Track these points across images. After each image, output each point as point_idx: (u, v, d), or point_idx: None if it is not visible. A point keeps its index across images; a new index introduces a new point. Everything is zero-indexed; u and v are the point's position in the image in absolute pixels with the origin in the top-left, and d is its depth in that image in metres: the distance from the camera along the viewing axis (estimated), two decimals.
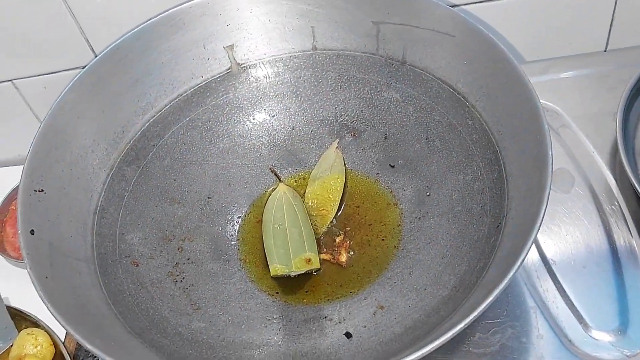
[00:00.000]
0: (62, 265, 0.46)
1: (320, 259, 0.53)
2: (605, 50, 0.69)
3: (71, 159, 0.52)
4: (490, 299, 0.38)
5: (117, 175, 0.55)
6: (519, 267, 0.39)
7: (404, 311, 0.47)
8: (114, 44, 0.55)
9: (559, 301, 0.51)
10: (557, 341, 0.49)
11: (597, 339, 0.48)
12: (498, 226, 0.46)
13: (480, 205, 0.50)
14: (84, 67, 0.54)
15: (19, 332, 0.62)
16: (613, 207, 0.56)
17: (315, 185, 0.57)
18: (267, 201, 0.57)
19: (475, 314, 0.37)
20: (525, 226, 0.42)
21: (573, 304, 0.51)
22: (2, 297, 0.67)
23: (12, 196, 0.75)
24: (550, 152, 0.43)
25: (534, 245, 0.54)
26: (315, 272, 0.53)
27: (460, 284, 0.46)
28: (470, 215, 0.50)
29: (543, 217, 0.40)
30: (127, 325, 0.45)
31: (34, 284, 0.42)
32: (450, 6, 0.61)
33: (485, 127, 0.52)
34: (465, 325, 0.37)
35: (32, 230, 0.45)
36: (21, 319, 0.64)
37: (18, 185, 0.73)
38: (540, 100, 0.63)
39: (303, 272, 0.52)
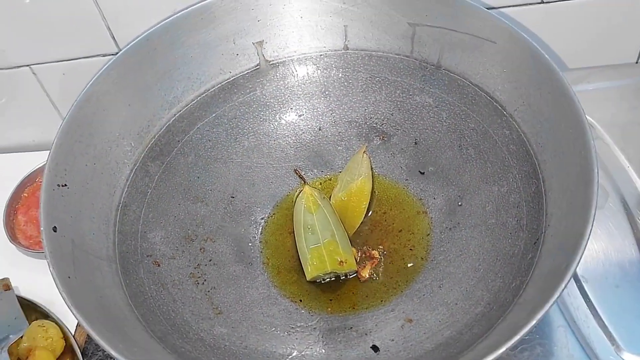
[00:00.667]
0: (85, 264, 0.44)
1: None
2: (637, 62, 0.67)
3: (95, 153, 0.50)
4: (533, 322, 0.36)
5: (140, 170, 0.53)
6: (563, 288, 0.37)
7: (434, 326, 0.46)
8: (142, 36, 0.53)
9: (590, 320, 0.50)
10: None
11: None
12: (535, 242, 0.45)
13: (516, 219, 0.48)
14: (108, 57, 0.52)
15: (29, 323, 0.61)
16: None
17: (342, 191, 0.56)
18: (294, 204, 0.55)
19: (518, 336, 0.36)
20: (567, 245, 0.40)
21: (605, 324, 0.49)
22: (13, 286, 0.66)
23: (24, 183, 0.74)
24: (596, 170, 0.42)
25: None
26: (351, 274, 0.52)
27: (494, 301, 0.44)
28: (505, 229, 0.49)
29: (589, 238, 0.39)
30: (149, 329, 0.43)
31: (56, 284, 0.40)
32: (488, 9, 0.59)
33: (523, 138, 0.50)
34: (507, 347, 0.36)
35: (55, 227, 0.44)
36: (32, 310, 0.63)
37: (30, 173, 0.73)
38: None
39: (340, 273, 0.51)
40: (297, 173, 0.57)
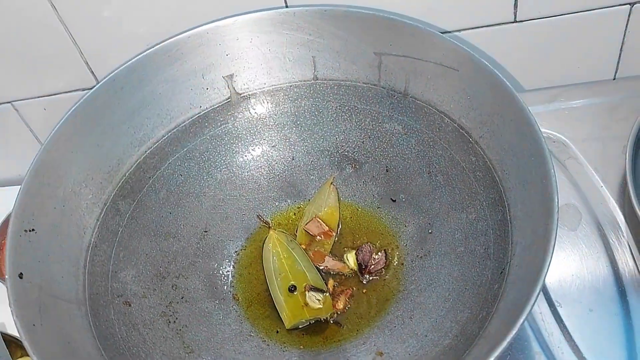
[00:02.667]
0: (52, 310, 0.44)
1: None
2: (614, 78, 0.67)
3: (64, 195, 0.51)
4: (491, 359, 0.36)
5: (111, 209, 0.53)
6: (521, 324, 0.37)
7: (404, 359, 0.46)
8: (108, 77, 0.54)
9: (565, 346, 0.49)
10: None
11: None
12: (502, 272, 0.45)
13: (484, 247, 0.48)
14: (76, 99, 0.52)
15: None
16: (622, 246, 0.54)
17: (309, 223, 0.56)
18: (262, 250, 0.55)
19: None
20: (529, 277, 0.40)
21: (579, 350, 0.49)
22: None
23: (8, 221, 0.74)
24: (556, 200, 0.41)
25: None
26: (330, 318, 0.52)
27: (461, 333, 0.44)
28: (474, 257, 0.49)
29: (547, 271, 0.38)
30: None
31: (19, 333, 0.40)
32: (443, 32, 0.60)
33: (489, 164, 0.50)
34: None
35: (21, 273, 0.44)
36: (16, 347, 0.63)
37: None
38: (547, 131, 0.63)
39: (319, 318, 0.51)
40: (260, 219, 0.57)
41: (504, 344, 0.36)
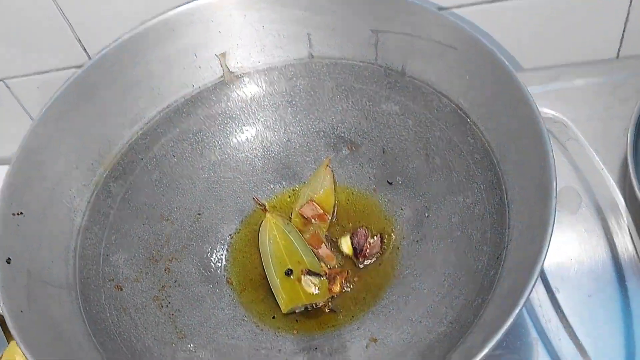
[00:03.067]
0: (40, 296, 0.44)
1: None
2: (617, 57, 0.65)
3: (54, 177, 0.50)
4: (484, 351, 0.35)
5: (102, 192, 0.52)
6: (517, 314, 0.36)
7: (398, 346, 0.45)
8: (98, 55, 0.52)
9: (562, 333, 0.49)
10: None
11: None
12: (498, 257, 0.44)
13: (481, 232, 0.47)
14: (64, 79, 0.51)
15: (8, 342, 0.61)
16: (622, 230, 0.53)
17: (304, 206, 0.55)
18: (259, 234, 0.54)
19: None
20: (525, 264, 0.39)
21: (576, 336, 0.48)
22: None
23: None
24: (554, 184, 0.40)
25: None
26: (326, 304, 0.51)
27: (456, 320, 0.43)
28: (470, 241, 0.48)
29: (544, 259, 0.37)
30: (106, 359, 0.43)
31: (6, 319, 0.40)
32: (439, 9, 0.58)
33: (487, 147, 0.49)
34: None
35: (9, 259, 0.43)
36: None
37: None
38: (548, 111, 0.62)
39: (317, 303, 0.50)
40: (256, 201, 0.56)
41: (499, 334, 0.36)
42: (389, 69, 0.55)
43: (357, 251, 0.52)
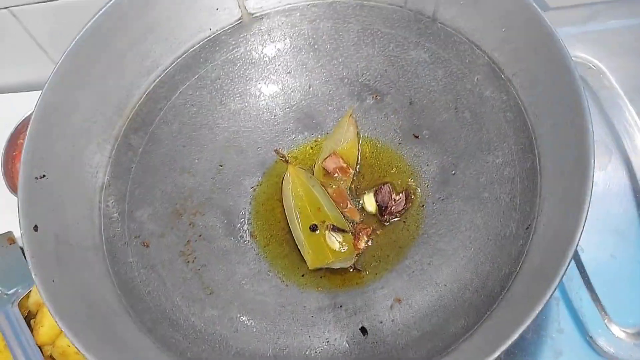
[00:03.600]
0: (69, 261, 0.44)
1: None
2: None
3: (73, 134, 0.48)
4: (516, 335, 0.36)
5: (123, 145, 0.51)
6: (549, 297, 0.36)
7: (422, 309, 0.46)
8: (110, 3, 0.49)
9: (584, 292, 0.49)
10: (578, 336, 0.48)
11: (620, 338, 0.47)
12: (527, 228, 0.43)
13: (510, 196, 0.46)
14: (77, 32, 0.48)
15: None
16: None
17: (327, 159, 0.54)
18: (282, 187, 0.54)
19: (502, 348, 0.35)
20: (558, 242, 0.39)
21: (597, 297, 0.49)
22: (16, 237, 0.67)
23: (19, 130, 0.73)
24: (592, 162, 0.39)
25: None
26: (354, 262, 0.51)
27: (482, 288, 0.44)
28: (498, 205, 0.47)
29: (577, 243, 0.37)
30: (138, 321, 0.44)
31: (39, 292, 0.40)
32: None
33: (521, 106, 0.47)
34: None
35: (36, 226, 0.43)
36: None
37: (24, 118, 0.72)
38: (581, 54, 0.59)
39: (343, 262, 0.50)
40: (277, 153, 0.55)
41: (531, 317, 0.36)
42: (420, 14, 0.52)
43: (382, 209, 0.51)
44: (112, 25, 0.50)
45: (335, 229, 0.51)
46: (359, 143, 0.55)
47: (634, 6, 0.60)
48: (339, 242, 0.50)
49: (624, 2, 0.60)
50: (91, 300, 0.43)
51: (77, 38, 0.48)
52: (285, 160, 0.55)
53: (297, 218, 0.51)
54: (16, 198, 0.67)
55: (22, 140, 0.73)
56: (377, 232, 0.52)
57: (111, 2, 0.49)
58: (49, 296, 0.40)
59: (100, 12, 0.49)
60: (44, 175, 0.46)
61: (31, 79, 0.83)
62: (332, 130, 0.56)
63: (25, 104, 0.72)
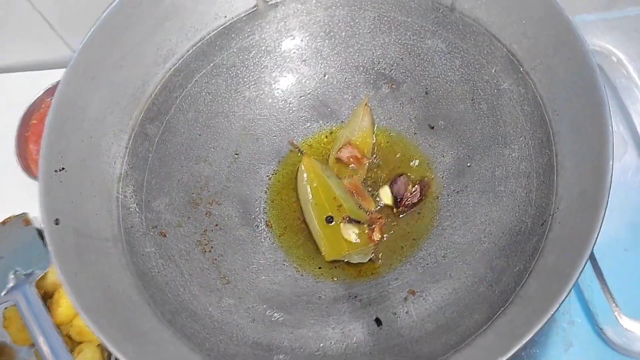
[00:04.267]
0: (89, 253, 0.45)
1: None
2: None
3: (90, 126, 0.49)
4: (529, 334, 0.36)
5: (139, 135, 0.52)
6: (564, 298, 0.37)
7: (436, 301, 0.46)
8: None
9: (595, 284, 0.50)
10: (589, 328, 0.49)
11: (630, 330, 0.48)
12: (542, 224, 0.43)
13: (526, 191, 0.47)
14: (95, 22, 0.48)
15: None
16: None
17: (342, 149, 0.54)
18: (296, 179, 0.54)
19: (516, 347, 0.36)
20: (574, 243, 0.39)
21: (609, 289, 0.49)
22: (31, 218, 0.68)
23: (31, 110, 0.73)
24: (611, 163, 0.39)
25: None
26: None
27: (496, 283, 0.44)
28: (514, 199, 0.47)
29: (594, 245, 0.37)
30: (157, 312, 0.45)
31: (63, 285, 0.41)
32: None
33: (539, 100, 0.47)
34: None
35: (57, 219, 0.44)
36: None
37: (36, 99, 0.72)
38: (600, 43, 0.58)
39: (361, 257, 0.50)
40: (292, 144, 0.55)
41: (545, 318, 0.36)
42: (438, 3, 0.51)
43: (397, 200, 0.52)
44: (127, 14, 0.50)
45: (352, 220, 0.51)
46: (374, 133, 0.55)
47: None
48: (355, 233, 0.51)
49: None
50: (112, 293, 0.44)
51: (92, 29, 0.48)
52: (300, 151, 0.56)
53: (312, 210, 0.52)
54: (30, 179, 0.68)
55: (34, 121, 0.73)
56: (392, 223, 0.52)
57: None
58: (73, 290, 0.41)
59: (114, 2, 0.49)
60: (62, 168, 0.46)
61: (42, 59, 0.83)
62: (347, 120, 0.55)
63: (36, 83, 0.73)
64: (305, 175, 0.53)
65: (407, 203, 0.51)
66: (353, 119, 0.55)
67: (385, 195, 0.52)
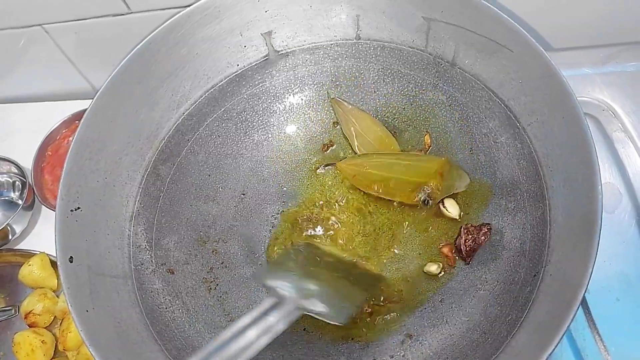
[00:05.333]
0: (101, 289, 0.47)
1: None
2: None
3: (105, 167, 0.51)
4: None
5: (152, 175, 0.54)
6: (553, 350, 0.39)
7: (432, 346, 0.48)
8: (145, 40, 0.52)
9: (587, 333, 0.51)
10: None
11: None
12: (535, 275, 0.45)
13: (520, 241, 0.49)
14: (112, 68, 0.51)
15: None
16: None
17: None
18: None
19: None
20: (563, 296, 0.41)
21: (601, 338, 0.51)
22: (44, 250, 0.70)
23: (46, 142, 0.75)
24: (599, 222, 0.41)
25: None
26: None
27: (490, 331, 0.46)
28: (509, 249, 0.49)
29: (582, 300, 0.39)
30: (164, 348, 0.47)
31: (74, 322, 0.43)
32: None
33: (534, 156, 0.49)
34: None
35: (71, 257, 0.46)
36: None
37: (52, 131, 0.75)
38: (597, 96, 0.60)
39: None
40: (326, 165, 0.58)
41: None
42: (439, 58, 0.54)
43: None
44: (145, 61, 0.52)
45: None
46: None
47: None
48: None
49: None
50: (121, 329, 0.46)
51: (111, 75, 0.51)
52: (332, 164, 0.58)
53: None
54: (46, 208, 0.71)
55: (49, 152, 0.76)
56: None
57: (144, 41, 0.52)
58: (84, 327, 0.43)
59: (134, 50, 0.52)
60: (78, 207, 0.48)
61: (59, 90, 0.85)
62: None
63: (53, 113, 0.76)
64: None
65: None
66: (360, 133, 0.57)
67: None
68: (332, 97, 0.57)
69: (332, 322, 0.47)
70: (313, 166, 0.59)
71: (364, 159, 0.55)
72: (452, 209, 0.54)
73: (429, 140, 0.55)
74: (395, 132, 0.58)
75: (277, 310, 0.45)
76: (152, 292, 0.51)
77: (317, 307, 0.48)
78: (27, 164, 0.73)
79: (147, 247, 0.52)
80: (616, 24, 0.62)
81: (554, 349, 0.39)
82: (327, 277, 0.51)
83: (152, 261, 0.52)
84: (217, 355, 0.41)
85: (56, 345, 0.64)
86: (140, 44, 0.52)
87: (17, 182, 0.76)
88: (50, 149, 0.76)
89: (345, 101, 0.57)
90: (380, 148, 0.56)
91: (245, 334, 0.43)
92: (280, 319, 0.45)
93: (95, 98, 0.50)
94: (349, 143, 0.58)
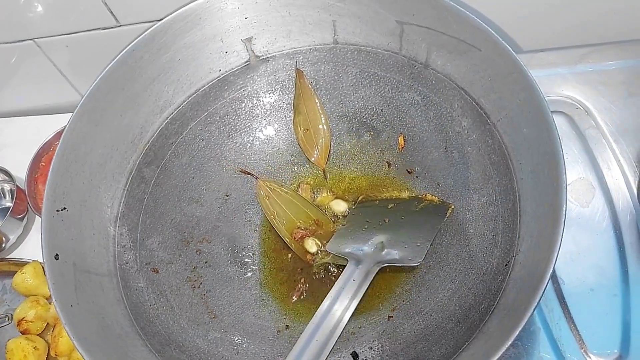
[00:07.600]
0: (86, 285, 0.48)
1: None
2: None
3: (91, 169, 0.53)
4: None
5: (136, 178, 0.56)
6: (517, 333, 0.40)
7: (410, 336, 0.49)
8: (128, 47, 0.54)
9: (563, 323, 0.52)
10: None
11: None
12: (506, 265, 0.47)
13: (493, 233, 0.50)
14: (97, 74, 0.53)
15: None
16: (631, 228, 0.55)
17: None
18: (261, 203, 0.59)
19: None
20: (530, 282, 0.42)
21: (577, 328, 0.52)
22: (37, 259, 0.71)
23: (40, 153, 0.77)
24: (564, 210, 0.42)
25: None
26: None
27: (464, 320, 0.47)
28: (482, 241, 0.51)
29: (546, 285, 0.40)
30: (148, 343, 0.48)
31: (59, 316, 0.44)
32: None
33: (504, 150, 0.50)
34: None
35: (57, 255, 0.47)
36: None
37: (45, 142, 0.77)
38: (571, 95, 0.62)
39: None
40: (243, 172, 0.60)
41: (498, 353, 0.39)
42: (413, 60, 0.56)
43: None
44: (129, 67, 0.54)
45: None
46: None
47: (623, 49, 0.63)
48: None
49: (616, 44, 0.63)
50: (105, 324, 0.47)
51: (96, 80, 0.53)
52: (254, 176, 0.60)
53: (282, 225, 0.57)
54: (39, 217, 0.72)
55: (43, 163, 0.78)
56: None
57: (127, 48, 0.54)
58: (68, 321, 0.44)
59: (118, 57, 0.54)
60: (64, 208, 0.50)
61: (51, 103, 0.88)
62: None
63: (47, 126, 0.77)
64: (264, 196, 0.58)
65: None
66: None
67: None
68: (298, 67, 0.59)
69: (412, 265, 0.50)
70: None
71: (282, 189, 0.58)
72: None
73: (403, 142, 0.57)
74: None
75: (358, 271, 0.49)
76: (136, 290, 0.52)
77: (393, 255, 0.51)
78: (21, 175, 0.75)
79: (131, 246, 0.54)
80: (588, 26, 0.64)
81: (518, 332, 0.40)
82: (393, 224, 0.54)
83: (136, 260, 0.53)
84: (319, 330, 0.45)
85: (48, 352, 0.65)
86: (124, 51, 0.54)
87: (12, 190, 0.77)
88: (44, 160, 0.78)
89: (307, 79, 0.59)
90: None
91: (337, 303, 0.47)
92: (362, 279, 0.48)
93: (80, 103, 0.52)
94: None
